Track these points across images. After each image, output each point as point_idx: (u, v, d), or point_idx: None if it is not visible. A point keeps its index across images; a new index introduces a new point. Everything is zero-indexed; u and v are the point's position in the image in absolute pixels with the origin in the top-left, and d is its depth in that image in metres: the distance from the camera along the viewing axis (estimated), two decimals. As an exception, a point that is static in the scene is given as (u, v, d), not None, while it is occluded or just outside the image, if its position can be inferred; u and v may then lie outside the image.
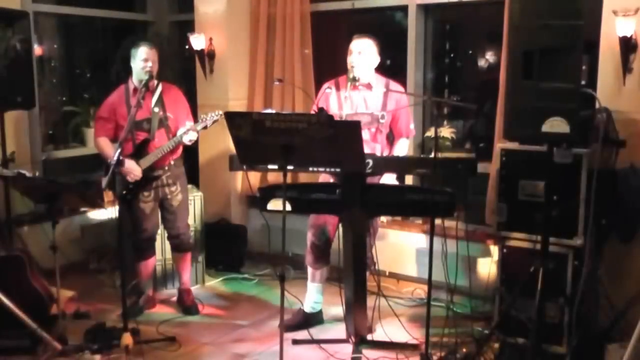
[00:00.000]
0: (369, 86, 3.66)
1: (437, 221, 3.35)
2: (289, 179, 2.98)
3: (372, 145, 3.63)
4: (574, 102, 2.71)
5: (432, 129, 4.02)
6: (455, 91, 4.96)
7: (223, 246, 4.96)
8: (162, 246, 4.40)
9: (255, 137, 2.85)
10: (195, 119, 4.08)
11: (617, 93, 3.44)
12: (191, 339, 3.78)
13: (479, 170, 3.27)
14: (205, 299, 4.37)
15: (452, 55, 4.97)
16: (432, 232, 3.22)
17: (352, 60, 3.57)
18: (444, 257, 3.27)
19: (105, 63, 5.76)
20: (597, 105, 3.09)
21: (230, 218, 5.18)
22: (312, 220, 3.77)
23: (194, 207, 4.53)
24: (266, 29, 5.00)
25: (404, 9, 4.67)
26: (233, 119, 2.88)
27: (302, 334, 3.72)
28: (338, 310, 3.77)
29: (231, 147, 3.02)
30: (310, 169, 3.19)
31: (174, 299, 4.33)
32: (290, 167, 2.96)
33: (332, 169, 3.16)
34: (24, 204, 4.43)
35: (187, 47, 5.39)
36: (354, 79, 3.55)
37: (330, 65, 4.57)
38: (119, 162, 3.38)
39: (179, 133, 3.92)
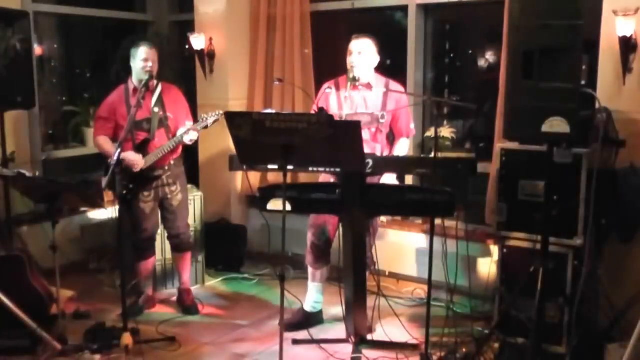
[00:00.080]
0: (369, 86, 3.66)
1: (437, 221, 3.35)
2: (288, 179, 2.98)
3: (372, 145, 3.63)
4: (574, 102, 2.71)
5: (432, 129, 4.02)
6: (455, 91, 4.96)
7: (223, 246, 4.96)
8: (162, 246, 4.40)
9: (255, 137, 2.85)
10: (195, 119, 4.08)
11: (617, 93, 3.44)
12: (191, 339, 3.78)
13: (479, 170, 3.27)
14: (205, 299, 4.37)
15: (452, 55, 4.97)
16: (432, 232, 3.22)
17: (351, 60, 3.57)
18: (444, 257, 3.27)
19: (105, 63, 5.76)
20: (597, 105, 3.09)
21: (230, 218, 5.18)
22: (312, 220, 3.77)
23: (194, 207, 4.53)
24: (266, 29, 5.00)
25: (404, 9, 4.67)
26: (233, 119, 2.88)
27: (302, 334, 3.72)
28: (338, 310, 3.77)
29: (231, 147, 3.02)
30: (310, 169, 3.20)
31: (174, 299, 4.34)
32: (290, 167, 2.96)
33: (332, 169, 3.16)
34: (24, 204, 4.43)
35: (187, 47, 5.39)
36: (354, 79, 3.55)
37: (330, 65, 4.57)
38: (119, 162, 3.38)
39: (179, 133, 3.92)
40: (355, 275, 3.36)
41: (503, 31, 3.90)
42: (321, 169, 3.22)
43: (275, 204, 3.19)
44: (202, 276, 4.69)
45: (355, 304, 3.44)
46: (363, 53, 3.57)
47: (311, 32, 4.85)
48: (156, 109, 3.95)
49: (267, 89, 5.07)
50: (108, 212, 4.72)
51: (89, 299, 4.31)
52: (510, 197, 3.35)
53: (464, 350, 3.40)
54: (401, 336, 3.67)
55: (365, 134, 3.51)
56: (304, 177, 4.64)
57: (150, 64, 3.87)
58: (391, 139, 3.78)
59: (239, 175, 5.16)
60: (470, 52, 4.91)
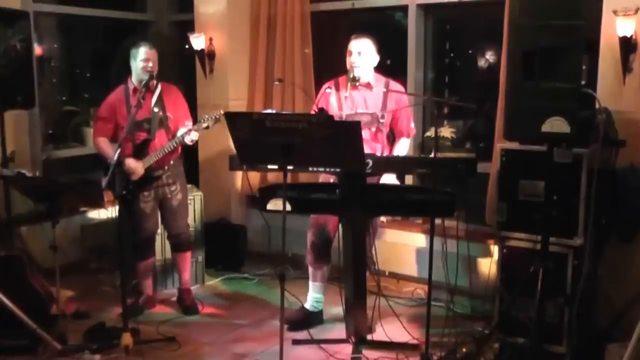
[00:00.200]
0: (368, 86, 3.66)
1: (437, 221, 3.35)
2: (288, 179, 2.98)
3: (373, 145, 3.63)
4: (574, 102, 2.71)
5: (432, 129, 4.02)
6: (455, 91, 4.96)
7: (223, 246, 4.96)
8: (162, 246, 4.40)
9: (255, 137, 2.85)
10: (195, 119, 4.08)
11: (617, 93, 3.44)
12: (191, 339, 3.78)
13: (479, 170, 3.27)
14: (205, 298, 4.37)
15: (452, 55, 4.97)
16: (432, 232, 3.22)
17: (351, 60, 3.58)
18: (444, 257, 3.27)
19: (105, 63, 5.76)
20: (597, 105, 3.09)
21: (230, 218, 5.18)
22: (312, 220, 3.77)
23: (193, 206, 4.53)
24: (266, 29, 5.00)
25: (404, 9, 4.67)
26: (233, 119, 2.88)
27: (302, 334, 3.72)
28: (338, 310, 3.77)
29: (231, 147, 3.02)
30: (310, 169, 3.19)
31: (174, 298, 4.33)
32: (290, 167, 2.96)
33: (332, 169, 3.16)
34: (24, 204, 4.42)
35: (187, 47, 5.39)
36: (354, 79, 3.55)
37: (330, 65, 4.57)
38: (119, 162, 3.38)
39: (179, 133, 3.92)
40: (355, 275, 3.36)
41: (503, 31, 3.90)
42: (321, 169, 3.22)
43: (275, 204, 3.19)
44: (202, 276, 4.69)
45: (355, 304, 3.44)
46: (363, 53, 3.57)
47: (311, 32, 4.85)
48: (156, 109, 3.95)
49: (267, 89, 5.07)
50: (108, 212, 4.72)
51: (89, 299, 4.31)
52: (510, 197, 3.35)
53: (464, 350, 3.40)
54: (401, 336, 3.67)
55: (365, 134, 3.51)
56: (303, 177, 4.64)
57: (150, 64, 3.87)
58: (391, 138, 3.78)
59: (239, 175, 5.16)
60: (470, 52, 4.91)
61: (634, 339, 2.56)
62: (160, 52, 4.04)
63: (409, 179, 4.33)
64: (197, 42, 5.06)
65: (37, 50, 5.04)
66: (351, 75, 3.55)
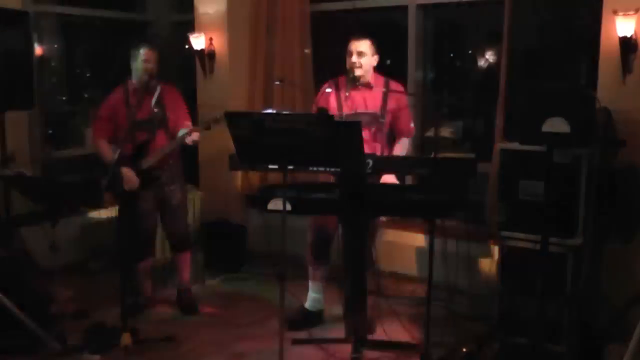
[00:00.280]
0: (368, 86, 3.66)
1: (437, 221, 3.34)
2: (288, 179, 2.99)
3: (373, 145, 3.63)
4: (574, 102, 2.71)
5: (432, 129, 4.02)
6: (455, 91, 4.96)
7: (223, 246, 4.96)
8: (162, 246, 4.40)
9: (255, 137, 2.85)
10: (195, 119, 4.08)
11: (617, 93, 3.44)
12: (191, 338, 3.77)
13: (479, 170, 3.27)
14: (205, 298, 4.36)
15: (452, 55, 4.97)
16: (432, 232, 3.21)
17: (351, 61, 3.58)
18: (444, 257, 3.27)
19: (105, 63, 5.76)
20: (597, 105, 3.09)
21: (230, 218, 5.18)
22: (312, 220, 3.77)
23: (193, 206, 4.53)
24: (266, 29, 5.00)
25: (404, 9, 4.67)
26: (233, 119, 2.88)
27: (302, 334, 3.72)
28: (338, 310, 3.77)
29: (231, 146, 3.02)
30: (310, 169, 3.19)
31: (174, 298, 4.33)
32: (290, 167, 2.96)
33: (332, 169, 3.16)
34: (24, 204, 4.42)
35: (187, 47, 5.39)
36: (354, 80, 3.56)
37: (330, 65, 4.57)
38: (119, 163, 3.38)
39: (180, 134, 3.92)
40: (355, 275, 3.36)
41: (503, 31, 3.90)
42: (321, 169, 3.22)
43: (275, 204, 3.19)
44: (202, 276, 4.69)
45: (355, 304, 3.44)
46: (362, 54, 3.58)
47: (311, 32, 4.85)
48: (156, 110, 3.95)
49: (267, 89, 5.07)
50: (108, 212, 4.72)
51: (89, 299, 4.31)
52: (510, 197, 3.35)
53: (464, 350, 3.40)
54: (401, 336, 3.67)
55: (365, 134, 3.51)
56: (302, 176, 4.63)
57: (150, 64, 3.87)
58: (391, 138, 3.78)
59: (238, 174, 5.15)
60: (470, 52, 4.92)
61: (634, 339, 2.56)
62: (160, 53, 4.04)
63: (408, 179, 4.33)
64: (197, 42, 5.06)
65: (37, 50, 5.04)
66: (351, 76, 3.56)
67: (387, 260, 4.15)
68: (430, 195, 3.15)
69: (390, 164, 3.46)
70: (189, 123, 4.00)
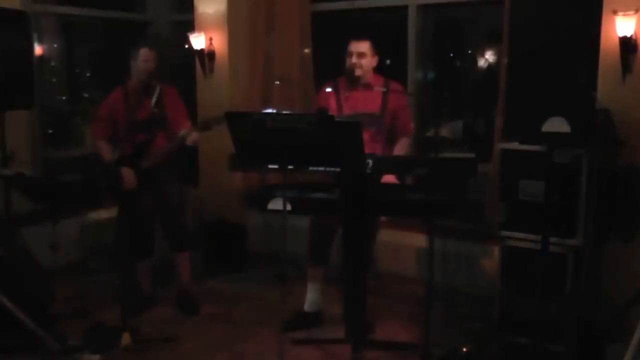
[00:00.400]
0: (368, 87, 3.66)
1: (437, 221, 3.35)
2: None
3: (372, 145, 3.62)
4: (574, 102, 2.71)
5: (432, 129, 4.02)
6: (455, 91, 4.96)
7: (223, 246, 4.96)
8: (162, 245, 4.40)
9: (255, 137, 2.85)
10: (195, 119, 4.08)
11: (617, 93, 3.44)
12: (191, 339, 3.78)
13: (479, 170, 3.27)
14: (205, 298, 4.36)
15: (452, 55, 4.97)
16: (432, 232, 3.21)
17: (351, 62, 3.59)
18: (444, 257, 3.27)
19: (105, 63, 5.76)
20: (597, 105, 3.09)
21: (230, 218, 5.18)
22: (312, 220, 3.76)
23: (193, 206, 4.53)
24: (266, 29, 5.00)
25: (404, 9, 4.67)
26: (233, 119, 2.88)
27: (301, 334, 3.72)
28: (338, 310, 3.77)
29: (231, 146, 3.03)
30: (310, 168, 3.19)
31: (174, 298, 4.33)
32: (290, 167, 2.96)
33: (332, 169, 3.16)
34: (24, 204, 4.42)
35: (186, 46, 5.39)
36: (354, 80, 3.56)
37: (330, 65, 4.58)
38: (119, 163, 3.38)
39: (180, 134, 3.91)
40: (355, 275, 3.36)
41: (503, 31, 3.90)
42: (321, 169, 3.22)
43: (275, 204, 3.18)
44: (202, 276, 4.69)
45: (355, 304, 3.43)
46: (362, 55, 3.59)
47: (311, 32, 4.85)
48: (155, 110, 3.95)
49: (267, 89, 5.07)
50: (108, 212, 4.72)
51: (89, 299, 4.31)
52: (510, 197, 3.35)
53: (464, 350, 3.40)
54: (401, 336, 3.67)
55: (365, 135, 3.51)
56: (301, 176, 4.63)
57: (149, 64, 3.87)
58: (391, 138, 3.78)
59: (238, 174, 5.15)
60: (470, 52, 4.92)
61: (634, 339, 2.56)
62: (160, 52, 4.04)
63: (408, 179, 4.33)
64: (197, 41, 5.06)
65: (37, 50, 5.05)
66: (351, 77, 3.56)
67: (387, 261, 4.15)
68: (430, 195, 3.15)
69: (390, 164, 3.46)
70: (188, 123, 4.00)
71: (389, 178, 3.57)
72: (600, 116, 3.09)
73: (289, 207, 2.95)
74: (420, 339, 3.53)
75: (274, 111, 4.42)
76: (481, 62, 4.79)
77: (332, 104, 3.69)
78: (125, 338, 3.36)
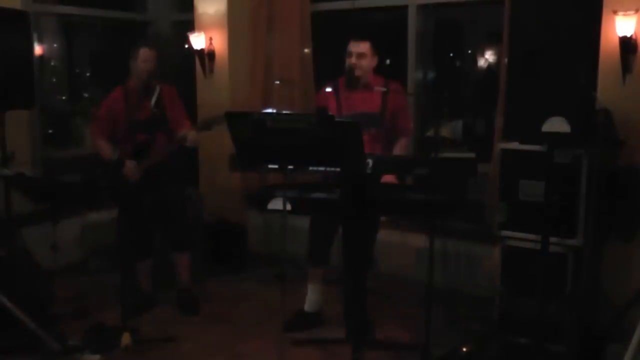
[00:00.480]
0: (368, 87, 3.66)
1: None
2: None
3: (372, 146, 3.63)
4: (574, 102, 2.71)
5: (432, 129, 4.02)
6: (454, 91, 4.96)
7: (223, 246, 4.96)
8: (162, 246, 4.40)
9: (255, 137, 2.85)
10: (195, 119, 4.09)
11: (617, 93, 3.44)
12: (191, 339, 3.78)
13: (479, 170, 3.27)
14: (205, 299, 4.36)
15: (452, 55, 4.97)
16: (432, 232, 3.21)
17: (350, 62, 3.59)
18: (444, 257, 3.27)
19: (105, 63, 5.76)
20: (597, 105, 3.09)
21: (230, 218, 5.18)
22: (312, 220, 3.76)
23: (193, 206, 4.53)
24: (266, 29, 5.00)
25: (404, 8, 4.67)
26: (233, 119, 2.88)
27: (302, 334, 3.72)
28: (338, 310, 3.77)
29: (231, 146, 3.03)
30: (310, 168, 3.19)
31: (174, 298, 4.33)
32: (290, 167, 2.96)
33: (332, 169, 3.16)
34: (24, 204, 4.42)
35: (186, 46, 5.39)
36: (354, 80, 3.56)
37: (330, 65, 4.58)
38: (119, 163, 3.38)
39: (180, 135, 3.92)
40: (355, 275, 3.36)
41: (503, 31, 3.90)
42: (321, 169, 3.22)
43: (275, 204, 3.18)
44: (202, 276, 4.69)
45: (355, 304, 3.44)
46: (362, 55, 3.59)
47: (311, 32, 4.85)
48: (155, 110, 3.95)
49: (267, 89, 5.07)
50: (108, 212, 4.72)
51: (89, 299, 4.31)
52: (510, 197, 3.35)
53: (464, 350, 3.40)
54: (401, 336, 3.67)
55: (365, 134, 3.51)
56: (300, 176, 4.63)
57: (149, 64, 3.87)
58: (391, 139, 3.78)
59: (238, 174, 5.15)
60: (470, 52, 4.92)
61: (634, 339, 2.56)
62: (160, 52, 4.04)
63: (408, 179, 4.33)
64: (197, 41, 5.06)
65: (37, 50, 5.04)
66: (350, 77, 3.56)
67: (387, 261, 4.14)
68: (430, 195, 3.15)
69: (390, 164, 3.46)
70: (188, 123, 4.00)
71: (388, 178, 3.57)
72: (600, 116, 3.09)
73: (289, 207, 2.95)
74: (420, 339, 3.53)
75: (274, 111, 4.43)
76: (481, 62, 4.79)
77: (332, 104, 3.70)
78: (126, 338, 3.36)
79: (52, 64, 5.62)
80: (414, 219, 4.60)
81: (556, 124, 2.71)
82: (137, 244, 4.09)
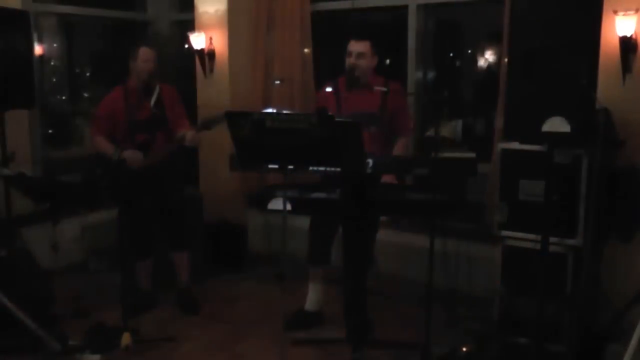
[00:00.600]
0: (367, 87, 3.66)
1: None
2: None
3: (372, 146, 3.62)
4: (574, 102, 2.71)
5: (432, 129, 4.02)
6: (455, 91, 4.96)
7: (223, 246, 4.96)
8: (162, 245, 4.40)
9: (255, 137, 2.85)
10: (195, 118, 4.09)
11: (617, 93, 3.44)
12: (191, 339, 3.78)
13: (479, 170, 3.27)
14: (205, 298, 4.36)
15: (452, 54, 4.97)
16: (432, 232, 3.21)
17: (350, 62, 3.59)
18: (444, 257, 3.27)
19: (105, 63, 5.76)
20: (597, 105, 3.09)
21: (230, 218, 5.18)
22: (312, 220, 3.76)
23: (193, 206, 4.53)
24: (266, 29, 5.00)
25: (404, 8, 4.67)
26: (233, 119, 2.88)
27: (302, 334, 3.72)
28: (338, 310, 3.77)
29: (231, 146, 3.03)
30: (311, 168, 3.19)
31: (174, 298, 4.33)
32: (290, 167, 2.96)
33: (333, 169, 3.16)
34: (24, 204, 4.43)
35: (187, 46, 5.39)
36: (353, 80, 3.56)
37: (330, 65, 4.58)
38: (119, 163, 3.38)
39: (179, 134, 3.92)
40: (355, 275, 3.36)
41: (503, 31, 3.90)
42: (321, 169, 3.22)
43: (275, 204, 3.18)
44: (202, 276, 4.69)
45: (356, 304, 3.44)
46: (362, 55, 3.59)
47: (311, 32, 4.85)
48: (155, 110, 3.95)
49: (267, 89, 5.07)
50: (108, 212, 4.72)
51: (89, 299, 4.31)
52: (510, 197, 3.35)
53: (464, 350, 3.40)
54: (401, 336, 3.67)
55: (365, 134, 3.51)
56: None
57: (149, 64, 3.87)
58: (391, 139, 3.78)
59: (238, 174, 5.15)
60: (470, 52, 4.92)
61: (634, 339, 2.56)
62: (160, 52, 4.04)
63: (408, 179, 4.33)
64: (197, 41, 5.06)
65: (38, 49, 5.04)
66: (350, 77, 3.56)
67: (387, 261, 4.14)
68: (430, 195, 3.15)
69: (390, 164, 3.46)
70: (187, 123, 4.00)
71: (388, 178, 3.57)
72: (600, 116, 3.09)
73: (289, 207, 2.95)
74: (420, 339, 3.53)
75: (274, 111, 4.44)
76: (481, 62, 4.79)
77: (332, 103, 3.69)
78: (126, 338, 3.36)
79: (52, 63, 5.62)
80: (413, 219, 4.60)
81: (556, 124, 2.71)
82: (137, 244, 4.08)
